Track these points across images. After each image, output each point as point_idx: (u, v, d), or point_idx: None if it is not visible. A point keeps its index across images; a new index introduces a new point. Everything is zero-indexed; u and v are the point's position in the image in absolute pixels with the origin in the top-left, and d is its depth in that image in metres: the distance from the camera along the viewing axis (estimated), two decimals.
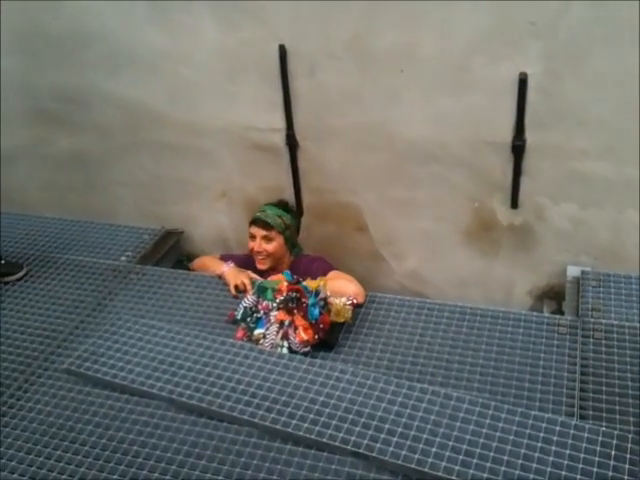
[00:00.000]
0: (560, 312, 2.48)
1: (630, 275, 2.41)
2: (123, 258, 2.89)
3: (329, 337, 2.20)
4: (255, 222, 2.62)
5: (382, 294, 2.45)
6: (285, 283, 2.26)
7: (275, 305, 2.23)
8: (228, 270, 2.61)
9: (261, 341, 2.21)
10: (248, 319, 2.28)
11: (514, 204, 2.59)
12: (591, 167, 2.43)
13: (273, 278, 2.38)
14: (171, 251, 3.15)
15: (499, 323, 2.23)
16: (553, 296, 2.68)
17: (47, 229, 3.06)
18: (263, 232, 2.59)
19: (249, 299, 2.32)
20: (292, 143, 2.76)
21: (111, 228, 3.13)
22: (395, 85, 2.51)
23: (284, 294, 2.23)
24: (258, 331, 2.23)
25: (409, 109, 2.55)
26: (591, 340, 2.12)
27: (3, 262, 2.80)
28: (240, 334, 2.27)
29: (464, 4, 2.28)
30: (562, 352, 2.08)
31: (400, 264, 2.95)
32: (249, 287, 2.44)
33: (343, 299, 2.22)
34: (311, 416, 1.86)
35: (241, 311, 2.31)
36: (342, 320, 2.21)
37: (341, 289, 2.31)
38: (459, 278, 2.87)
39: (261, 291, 2.30)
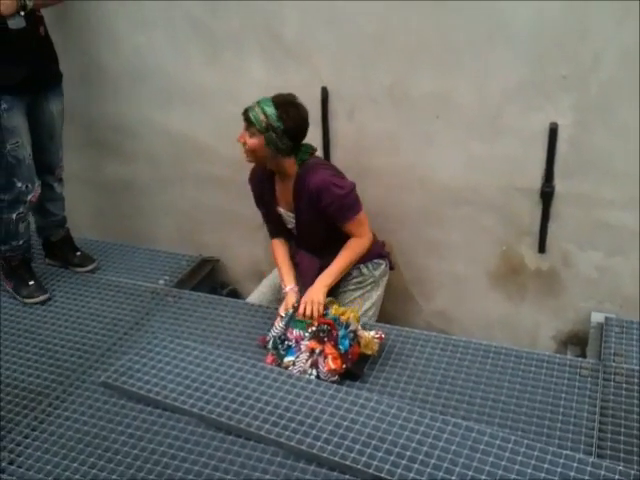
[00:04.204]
0: (583, 357, 2.52)
1: None
2: (161, 281, 3.02)
3: (355, 368, 2.26)
4: (243, 112, 2.39)
5: (409, 329, 2.51)
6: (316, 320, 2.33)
7: (307, 335, 2.30)
8: (289, 292, 2.53)
9: (290, 368, 2.28)
10: (279, 346, 2.36)
11: (541, 249, 2.65)
12: (617, 216, 2.49)
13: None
14: (207, 278, 3.26)
15: (522, 362, 2.28)
16: (577, 342, 2.72)
17: (91, 251, 3.21)
18: (246, 125, 2.39)
19: (278, 328, 2.39)
20: None
21: (151, 253, 3.27)
22: (430, 130, 2.63)
23: (315, 326, 2.30)
24: (288, 359, 2.30)
25: (443, 153, 2.66)
26: (612, 383, 2.15)
27: (79, 254, 3.10)
28: (270, 359, 2.35)
29: (499, 56, 2.40)
30: (583, 394, 2.11)
31: (428, 303, 3.02)
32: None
33: (372, 332, 2.29)
34: (335, 439, 1.92)
35: (271, 341, 2.38)
36: (369, 352, 2.28)
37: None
38: (486, 320, 2.92)
39: (293, 324, 2.36)
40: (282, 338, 2.36)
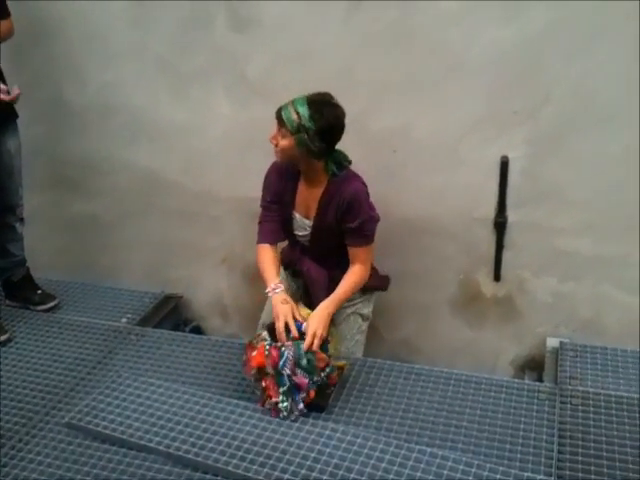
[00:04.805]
0: (541, 382, 2.59)
1: (606, 347, 2.54)
2: (124, 320, 3.01)
3: (320, 399, 2.28)
4: (276, 111, 2.29)
5: (372, 359, 2.55)
6: (323, 361, 2.21)
7: (312, 385, 2.19)
8: (274, 297, 2.34)
9: (281, 411, 2.19)
10: (287, 385, 2.19)
11: (497, 277, 2.75)
12: (570, 243, 2.60)
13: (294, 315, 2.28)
14: (170, 315, 3.25)
15: (482, 388, 2.34)
16: (534, 366, 2.80)
17: (53, 290, 3.17)
18: (278, 125, 2.28)
19: (288, 361, 2.19)
20: None
21: (113, 291, 3.26)
22: (391, 163, 2.71)
23: (321, 374, 2.21)
24: (285, 405, 2.19)
25: (403, 186, 2.74)
26: (569, 406, 2.22)
27: (40, 292, 3.08)
28: (266, 385, 2.20)
29: (455, 93, 2.51)
30: (541, 416, 2.17)
31: (392, 333, 3.06)
32: (293, 328, 2.27)
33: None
34: (303, 471, 1.93)
35: (288, 364, 2.18)
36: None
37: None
38: (448, 347, 2.98)
39: (300, 357, 2.19)
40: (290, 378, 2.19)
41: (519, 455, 2.01)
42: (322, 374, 2.21)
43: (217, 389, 2.43)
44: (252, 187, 2.93)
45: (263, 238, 2.50)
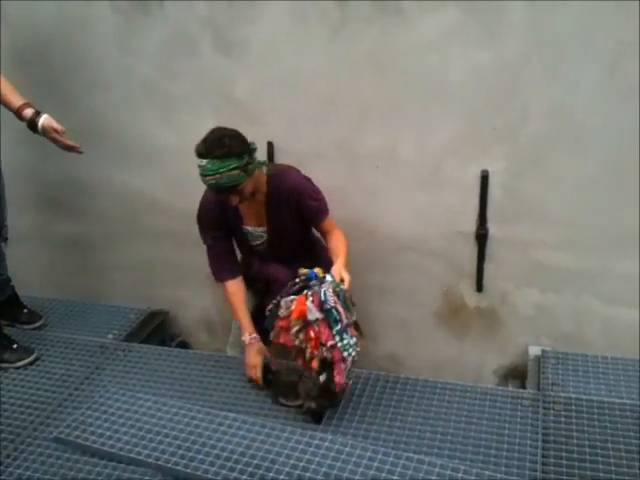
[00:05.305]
0: (524, 389, 2.64)
1: (586, 354, 2.60)
2: (110, 336, 3.02)
3: (319, 406, 2.28)
4: (215, 190, 2.31)
5: (359, 369, 2.58)
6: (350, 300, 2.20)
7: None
8: (248, 346, 2.49)
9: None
10: (339, 323, 2.14)
11: (479, 288, 2.80)
12: (550, 256, 2.66)
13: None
14: (156, 331, 3.27)
15: (467, 397, 2.38)
16: (517, 375, 2.84)
17: (38, 308, 3.18)
18: (233, 196, 2.31)
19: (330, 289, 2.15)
20: None
21: (99, 308, 3.27)
22: (376, 183, 2.77)
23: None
24: (346, 342, 2.15)
25: (389, 205, 2.80)
26: (551, 412, 2.27)
27: (26, 311, 3.09)
28: (315, 335, 2.12)
29: (437, 113, 2.58)
30: (525, 422, 2.22)
31: (377, 347, 3.10)
32: (259, 380, 2.46)
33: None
34: None
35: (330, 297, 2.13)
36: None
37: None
38: (433, 359, 3.02)
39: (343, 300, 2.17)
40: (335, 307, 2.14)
41: (504, 460, 2.05)
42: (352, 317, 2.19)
43: (205, 402, 2.45)
44: None
45: (224, 275, 2.56)
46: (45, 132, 2.39)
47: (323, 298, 2.11)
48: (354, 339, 2.18)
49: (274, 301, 2.25)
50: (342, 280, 2.21)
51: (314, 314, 2.11)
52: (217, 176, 2.22)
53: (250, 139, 2.31)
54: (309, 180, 2.47)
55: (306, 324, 2.14)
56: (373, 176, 2.76)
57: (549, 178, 2.56)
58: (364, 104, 2.66)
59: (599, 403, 2.30)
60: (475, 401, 2.36)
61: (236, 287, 2.56)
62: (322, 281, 2.18)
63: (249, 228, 2.55)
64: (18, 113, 2.37)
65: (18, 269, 3.06)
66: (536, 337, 2.80)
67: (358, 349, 2.20)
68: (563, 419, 2.24)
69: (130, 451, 2.15)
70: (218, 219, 2.51)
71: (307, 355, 2.17)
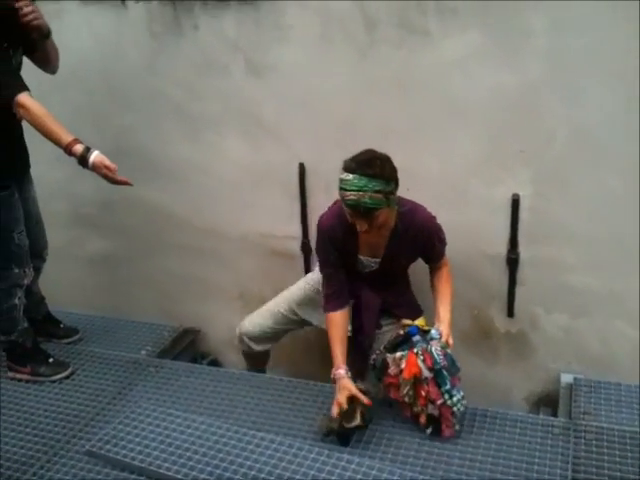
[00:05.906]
0: (555, 417, 2.61)
1: (619, 383, 2.56)
2: (143, 352, 3.08)
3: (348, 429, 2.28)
4: (351, 209, 2.23)
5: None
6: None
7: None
8: (339, 381, 2.34)
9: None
10: (447, 383, 2.26)
11: (510, 313, 2.79)
12: (580, 280, 2.63)
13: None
14: (188, 348, 3.32)
15: (497, 423, 2.37)
16: (548, 402, 2.80)
17: (73, 324, 3.25)
18: (363, 220, 2.23)
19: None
20: (307, 250, 3.02)
21: (133, 324, 3.33)
22: None
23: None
24: (456, 398, 2.26)
25: None
26: (583, 441, 2.25)
27: (62, 326, 3.17)
28: (425, 393, 2.25)
29: (460, 135, 2.60)
30: (555, 451, 2.20)
31: None
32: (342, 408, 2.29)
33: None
34: None
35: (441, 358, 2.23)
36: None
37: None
38: (462, 384, 2.99)
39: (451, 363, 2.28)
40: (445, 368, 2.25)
41: None
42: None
43: (235, 420, 2.48)
44: (264, 224, 3.04)
45: (335, 307, 2.47)
46: (95, 168, 2.46)
47: (435, 359, 2.22)
48: (461, 393, 2.29)
49: (377, 351, 2.38)
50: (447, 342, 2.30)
51: (425, 373, 2.23)
52: (360, 193, 2.16)
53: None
54: (436, 219, 2.45)
55: (416, 382, 2.26)
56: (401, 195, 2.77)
57: (576, 200, 2.55)
58: (387, 125, 2.68)
59: (631, 433, 2.27)
60: (505, 428, 2.34)
61: (341, 319, 2.46)
62: (425, 336, 2.30)
63: (362, 258, 2.49)
64: (68, 149, 2.43)
65: (52, 285, 3.15)
66: (567, 363, 2.76)
67: (464, 402, 2.30)
68: (594, 449, 2.21)
69: (160, 466, 2.18)
70: (339, 247, 2.44)
71: (415, 410, 2.32)
